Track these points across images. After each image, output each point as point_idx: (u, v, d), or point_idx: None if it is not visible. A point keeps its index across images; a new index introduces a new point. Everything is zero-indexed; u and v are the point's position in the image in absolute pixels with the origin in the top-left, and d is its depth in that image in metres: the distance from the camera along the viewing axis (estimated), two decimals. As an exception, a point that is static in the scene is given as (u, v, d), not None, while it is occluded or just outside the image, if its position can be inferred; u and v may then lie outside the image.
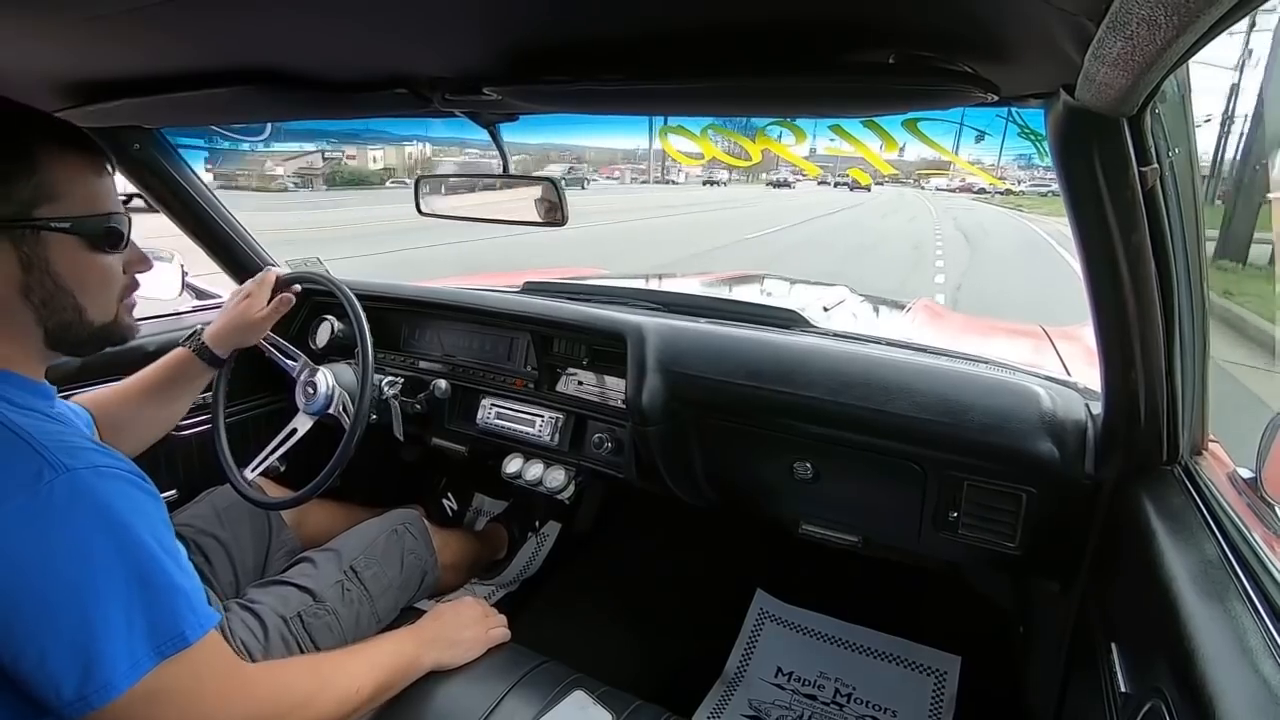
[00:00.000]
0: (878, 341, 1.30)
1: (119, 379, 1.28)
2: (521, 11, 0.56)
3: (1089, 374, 1.04)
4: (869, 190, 33.89)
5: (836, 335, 1.36)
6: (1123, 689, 0.66)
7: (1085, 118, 0.56)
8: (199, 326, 1.13)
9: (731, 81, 0.62)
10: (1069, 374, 1.24)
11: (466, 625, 1.00)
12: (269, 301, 1.15)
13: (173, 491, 1.40)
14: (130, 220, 0.70)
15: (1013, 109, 0.68)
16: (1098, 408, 0.94)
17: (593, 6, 0.53)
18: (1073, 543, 0.97)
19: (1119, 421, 0.85)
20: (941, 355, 1.23)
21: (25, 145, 0.61)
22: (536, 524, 1.84)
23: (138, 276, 0.74)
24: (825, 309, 1.63)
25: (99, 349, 0.71)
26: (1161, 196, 0.64)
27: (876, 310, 1.96)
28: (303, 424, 1.32)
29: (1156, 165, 0.61)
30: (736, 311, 1.46)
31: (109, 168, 0.70)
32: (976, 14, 0.47)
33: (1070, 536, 0.97)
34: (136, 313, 0.77)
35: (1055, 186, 0.67)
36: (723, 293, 1.97)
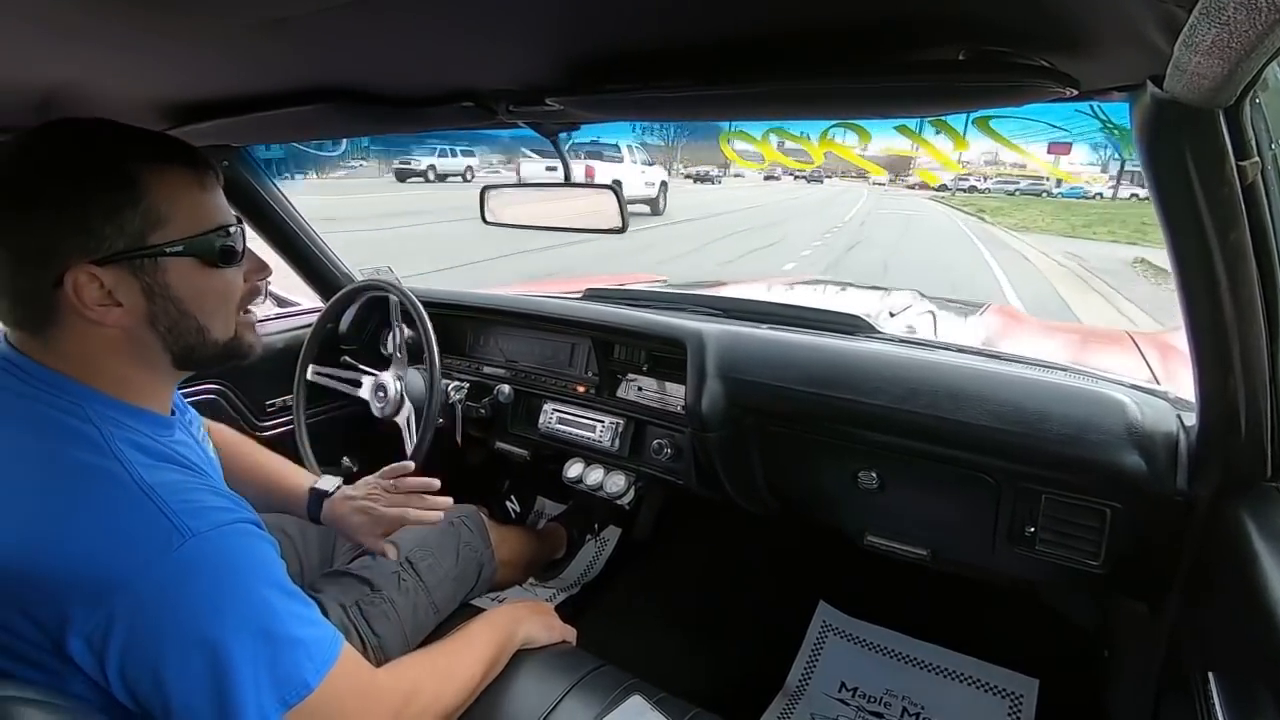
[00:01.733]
0: (947, 347, 1.26)
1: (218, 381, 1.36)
2: (582, 24, 0.57)
3: (1181, 382, 0.98)
4: (822, 183, 31.37)
5: (903, 341, 1.32)
6: None
7: (1175, 110, 0.52)
8: (338, 488, 1.09)
9: (795, 84, 0.61)
10: (1158, 382, 1.16)
11: (545, 611, 1.06)
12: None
13: None
14: (244, 231, 0.70)
15: (1094, 103, 0.65)
16: (1191, 419, 0.88)
17: (654, 16, 0.54)
18: (1163, 562, 0.91)
19: (1216, 434, 0.79)
20: (1016, 362, 1.17)
21: (128, 172, 0.60)
22: (595, 526, 1.86)
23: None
24: (891, 314, 1.59)
25: (223, 365, 0.72)
26: (1263, 190, 0.59)
27: (947, 315, 1.90)
28: (404, 420, 1.37)
29: (1258, 158, 0.56)
30: (798, 317, 1.43)
31: (216, 178, 0.67)
32: (1053, 5, 0.45)
33: (1160, 555, 0.91)
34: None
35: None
36: (785, 298, 1.94)
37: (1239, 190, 0.58)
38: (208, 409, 1.49)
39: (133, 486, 0.58)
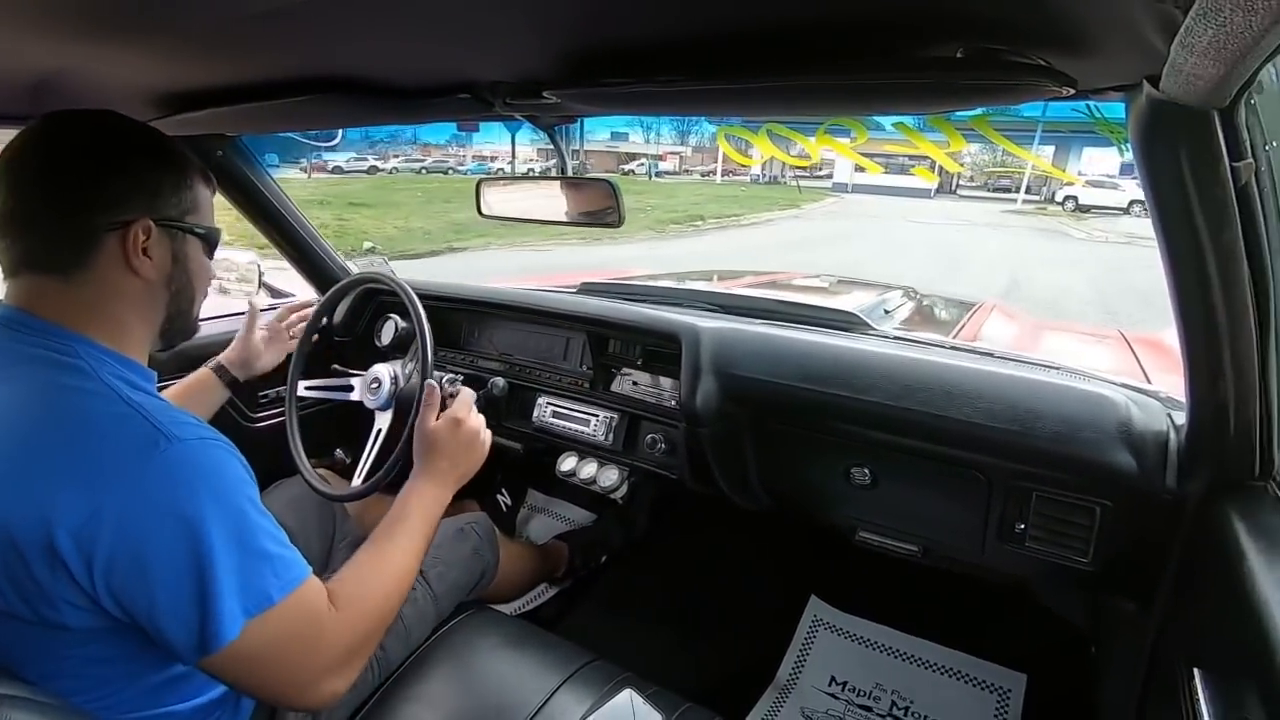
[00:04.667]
0: (941, 345, 1.26)
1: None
2: (578, 16, 0.57)
3: (1172, 382, 0.99)
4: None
5: (897, 339, 1.32)
6: (1206, 718, 0.62)
7: (1171, 111, 0.53)
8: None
9: (793, 80, 0.61)
10: (1149, 381, 1.17)
11: (457, 430, 1.02)
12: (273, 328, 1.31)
13: None
14: None
15: (1090, 102, 0.65)
16: (1181, 418, 0.88)
17: (650, 9, 0.54)
18: (1152, 560, 0.92)
19: (1206, 433, 0.80)
20: (1010, 360, 1.18)
21: (186, 168, 0.76)
22: (603, 559, 1.82)
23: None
24: (886, 311, 1.59)
25: (182, 340, 0.82)
26: (1256, 192, 0.60)
27: (942, 312, 1.90)
28: (384, 421, 1.36)
29: (1251, 160, 0.57)
30: (793, 314, 1.44)
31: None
32: (1051, 4, 0.45)
33: (1149, 553, 0.92)
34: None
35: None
36: (780, 295, 1.95)
37: (1232, 191, 0.58)
38: (200, 400, 1.48)
39: (119, 401, 0.64)
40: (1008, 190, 21.96)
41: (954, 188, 23.07)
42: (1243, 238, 0.61)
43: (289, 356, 1.37)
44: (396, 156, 24.36)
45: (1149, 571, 0.93)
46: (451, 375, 1.44)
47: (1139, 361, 1.46)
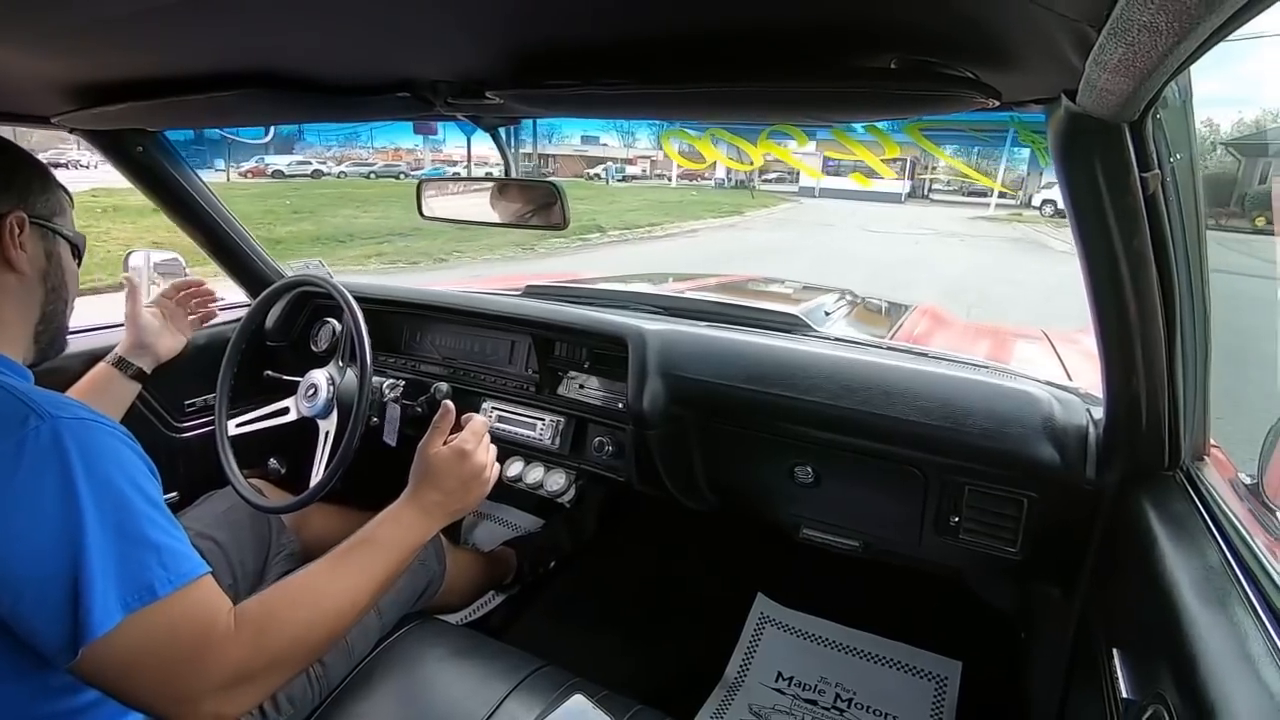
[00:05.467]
0: (879, 346, 1.30)
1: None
2: (523, 16, 0.56)
3: (1091, 379, 1.04)
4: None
5: (838, 340, 1.36)
6: (1124, 695, 0.66)
7: (1087, 123, 0.56)
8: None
9: (733, 86, 0.62)
10: (1070, 379, 1.24)
11: (460, 464, 0.89)
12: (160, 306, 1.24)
13: (174, 494, 1.40)
14: None
15: (1014, 113, 0.68)
16: (1099, 413, 0.94)
17: (593, 12, 0.54)
18: (1074, 548, 0.97)
19: (1120, 427, 0.85)
20: (943, 360, 1.23)
21: (48, 174, 0.78)
22: (552, 565, 1.80)
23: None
24: (827, 313, 1.63)
25: (52, 354, 0.80)
26: (1163, 202, 0.64)
27: (879, 314, 1.96)
28: (329, 426, 1.31)
29: (1158, 170, 0.61)
30: (738, 316, 1.46)
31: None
32: (978, 20, 0.47)
33: (1072, 541, 0.97)
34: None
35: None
36: (725, 297, 1.97)
37: (1142, 200, 0.62)
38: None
39: None
40: (984, 194, 21.30)
41: (926, 191, 22.56)
42: (1151, 244, 0.66)
43: (227, 356, 1.32)
44: (348, 160, 23.13)
45: (1072, 559, 0.98)
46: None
47: (1061, 360, 1.54)
